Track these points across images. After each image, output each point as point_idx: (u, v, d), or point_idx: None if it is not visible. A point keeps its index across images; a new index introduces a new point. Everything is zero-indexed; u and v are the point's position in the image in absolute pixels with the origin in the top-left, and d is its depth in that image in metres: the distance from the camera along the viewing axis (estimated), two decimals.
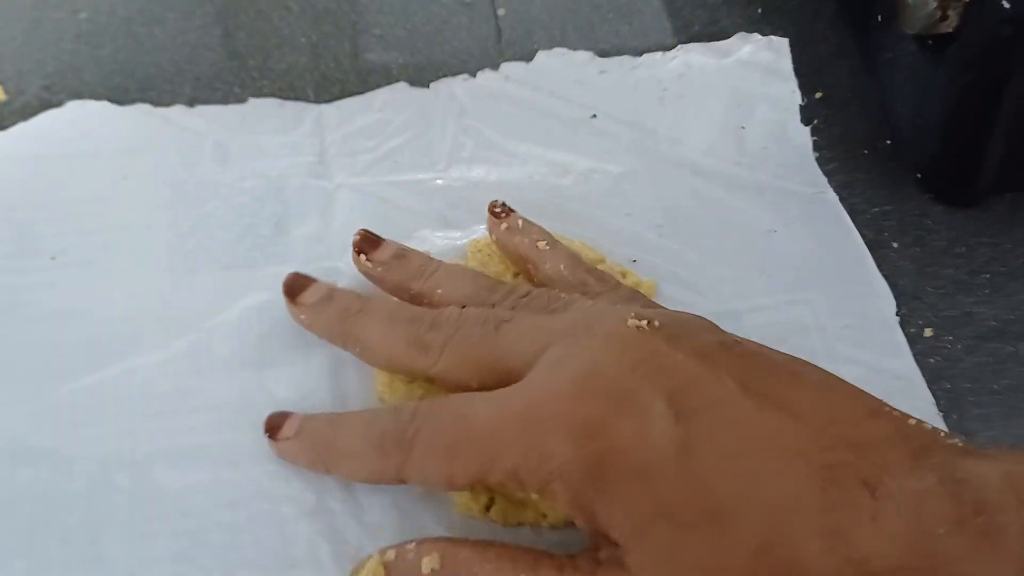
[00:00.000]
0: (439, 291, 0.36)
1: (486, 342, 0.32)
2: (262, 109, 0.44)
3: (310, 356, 0.38)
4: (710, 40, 0.49)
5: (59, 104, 0.43)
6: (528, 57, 0.47)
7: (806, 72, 0.48)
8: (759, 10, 0.50)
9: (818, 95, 0.47)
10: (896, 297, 0.41)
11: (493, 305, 0.35)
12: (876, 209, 0.44)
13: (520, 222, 0.39)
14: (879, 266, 0.42)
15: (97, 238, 0.40)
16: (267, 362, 0.38)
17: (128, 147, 0.42)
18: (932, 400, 0.39)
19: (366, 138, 0.44)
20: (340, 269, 0.40)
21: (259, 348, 0.38)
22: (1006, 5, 0.36)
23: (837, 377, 0.31)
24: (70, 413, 0.36)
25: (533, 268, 0.38)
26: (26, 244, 0.39)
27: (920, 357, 0.40)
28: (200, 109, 0.43)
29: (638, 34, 0.49)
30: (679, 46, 0.47)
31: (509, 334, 0.32)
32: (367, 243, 0.38)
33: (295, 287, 0.37)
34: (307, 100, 0.45)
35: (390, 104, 0.45)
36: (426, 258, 0.38)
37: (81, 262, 0.39)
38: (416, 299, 0.37)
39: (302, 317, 0.37)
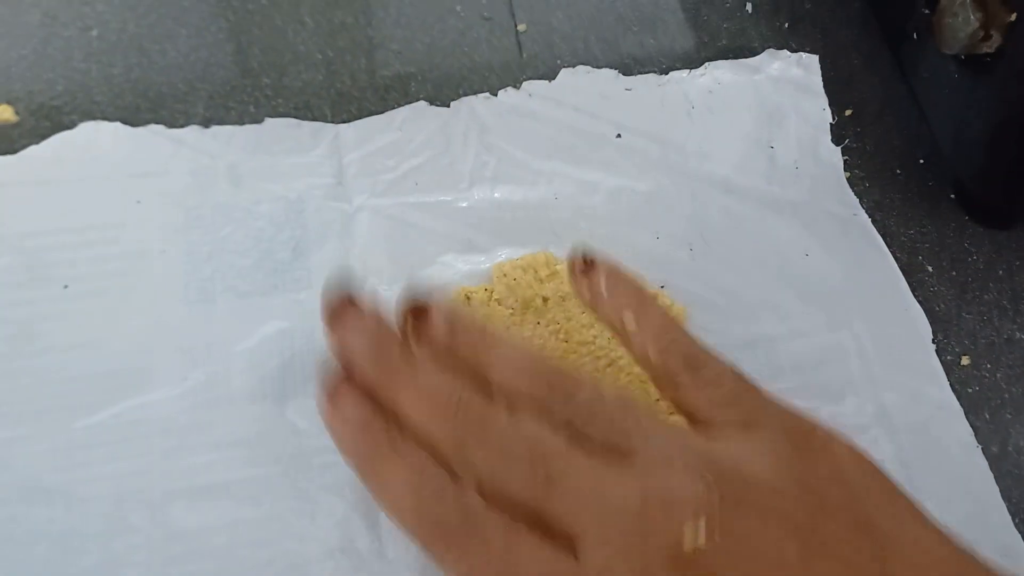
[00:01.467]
0: (493, 377, 0.31)
1: (534, 492, 0.29)
2: (278, 129, 0.42)
3: None
4: (736, 53, 0.47)
5: (71, 125, 0.41)
6: (550, 71, 0.46)
7: (834, 87, 0.47)
8: (786, 23, 0.49)
9: (848, 112, 0.46)
10: (933, 323, 0.40)
11: (549, 411, 0.30)
12: (912, 231, 0.43)
13: (604, 285, 0.33)
14: (915, 290, 0.41)
15: (110, 266, 0.38)
16: (288, 393, 0.37)
17: (141, 170, 0.41)
18: (970, 431, 0.38)
19: (385, 158, 0.42)
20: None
21: (280, 379, 0.37)
22: None
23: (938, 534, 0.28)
24: (85, 451, 0.35)
25: (623, 340, 0.33)
26: (38, 273, 0.38)
27: (958, 386, 0.39)
28: (214, 130, 0.42)
29: (663, 47, 0.48)
30: (707, 63, 0.46)
31: (560, 495, 0.28)
32: (419, 322, 0.33)
33: (341, 319, 0.33)
34: (323, 118, 0.43)
35: (409, 123, 0.43)
36: (480, 331, 0.33)
37: (94, 291, 0.38)
38: None
39: (340, 355, 0.33)
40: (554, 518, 0.28)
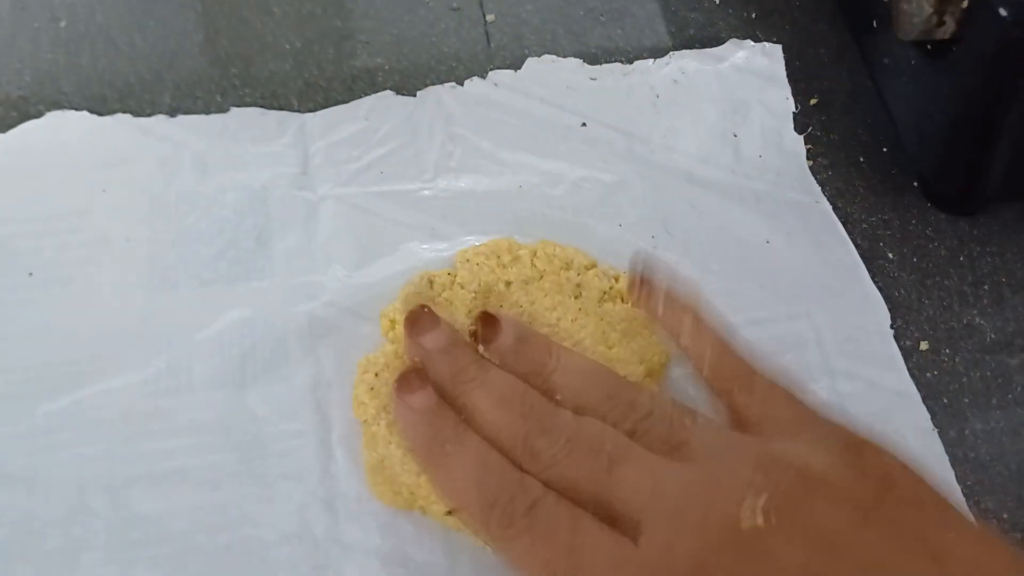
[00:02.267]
0: (557, 396, 0.33)
1: (597, 479, 0.30)
2: (244, 118, 0.43)
3: (292, 375, 0.37)
4: (704, 43, 0.47)
5: (37, 114, 0.42)
6: (518, 62, 0.46)
7: (803, 76, 0.47)
8: (754, 14, 0.49)
9: (813, 101, 0.46)
10: (893, 309, 0.40)
11: (613, 422, 0.32)
12: (874, 218, 0.43)
13: (661, 300, 0.35)
14: (875, 277, 0.41)
15: (75, 254, 0.39)
16: (248, 381, 0.37)
17: (107, 159, 0.41)
18: (927, 416, 0.38)
19: (351, 148, 0.43)
20: (323, 284, 0.39)
21: (240, 366, 0.37)
22: (1003, 13, 0.35)
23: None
24: (47, 436, 0.35)
25: (682, 350, 0.35)
26: (3, 261, 0.38)
27: (916, 371, 0.39)
28: (180, 119, 0.42)
29: (631, 38, 0.48)
30: (671, 52, 0.46)
31: (622, 479, 0.30)
32: (489, 326, 0.35)
33: (419, 326, 0.35)
34: (290, 108, 0.44)
35: (376, 112, 0.44)
36: (546, 349, 0.35)
37: (59, 279, 0.38)
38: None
39: (416, 359, 0.35)
40: (617, 504, 0.29)
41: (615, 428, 0.31)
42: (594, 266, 0.40)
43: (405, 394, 0.33)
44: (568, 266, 0.40)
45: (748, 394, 0.32)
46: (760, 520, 0.27)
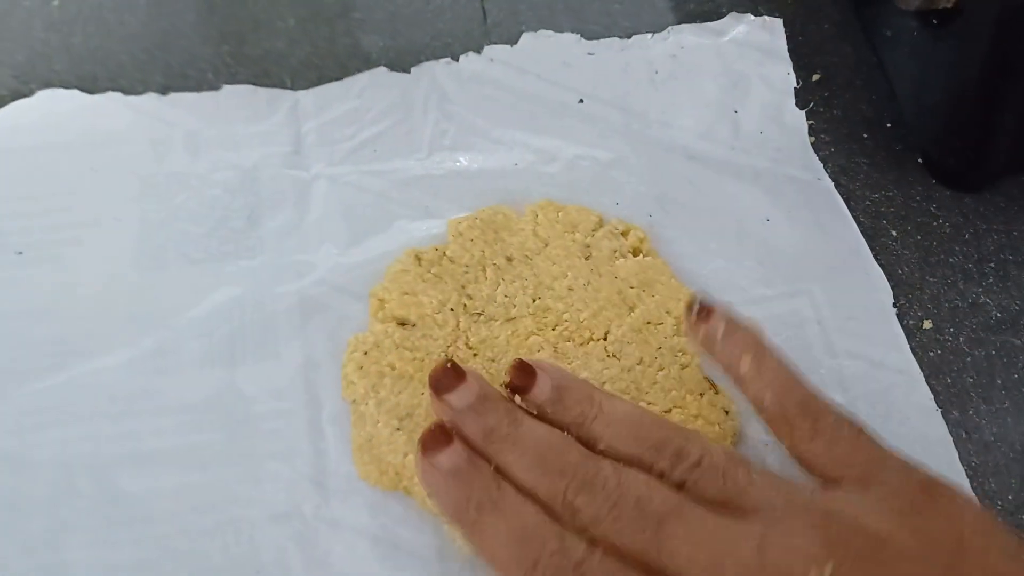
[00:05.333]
0: (599, 447, 0.31)
1: (645, 539, 0.28)
2: (236, 97, 0.42)
3: (282, 354, 0.37)
4: (705, 18, 0.47)
5: (29, 93, 0.41)
6: (514, 38, 0.45)
7: (805, 51, 0.46)
8: None
9: (816, 77, 0.45)
10: (896, 287, 0.40)
11: (660, 473, 0.30)
12: (877, 195, 0.42)
13: (721, 331, 0.33)
14: (878, 255, 0.40)
15: (64, 233, 0.38)
16: (237, 360, 0.36)
17: (98, 138, 0.41)
18: (930, 395, 0.37)
19: (344, 126, 0.42)
20: (313, 263, 0.39)
21: (230, 346, 0.37)
22: None
23: None
24: (33, 415, 0.35)
25: (739, 384, 0.33)
26: None
27: (919, 350, 0.38)
28: (172, 97, 0.42)
29: (630, 13, 0.47)
30: (670, 27, 0.45)
31: (672, 540, 0.28)
32: (523, 377, 0.33)
33: (443, 384, 0.32)
34: (284, 87, 0.43)
35: (369, 90, 0.43)
36: (587, 397, 0.32)
37: (47, 257, 0.38)
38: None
39: (444, 418, 0.33)
40: (666, 567, 0.28)
41: (663, 479, 0.30)
42: (601, 225, 0.39)
43: (432, 454, 0.31)
44: (574, 228, 0.39)
45: (812, 436, 0.30)
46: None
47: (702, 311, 0.33)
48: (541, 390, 0.32)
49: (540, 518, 0.29)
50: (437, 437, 0.31)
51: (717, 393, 0.36)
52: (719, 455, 0.30)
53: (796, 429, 0.31)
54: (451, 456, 0.31)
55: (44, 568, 0.32)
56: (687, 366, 0.36)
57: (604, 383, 0.36)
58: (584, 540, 0.29)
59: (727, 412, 0.36)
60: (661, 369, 0.36)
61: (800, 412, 0.31)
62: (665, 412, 0.35)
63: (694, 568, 0.27)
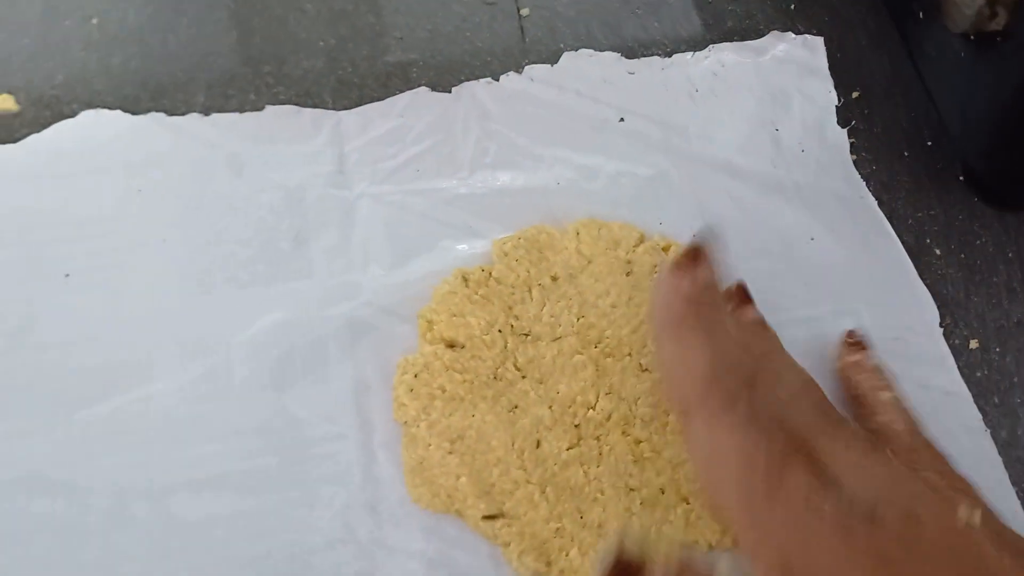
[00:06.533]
0: None
1: None
2: (278, 117, 0.42)
3: (331, 376, 0.37)
4: (742, 36, 0.47)
5: (71, 114, 0.41)
6: (553, 57, 0.45)
7: (843, 68, 0.46)
8: (793, 5, 0.48)
9: (855, 94, 0.45)
10: (941, 307, 0.40)
11: None
12: (920, 213, 0.42)
13: (872, 362, 0.37)
14: (922, 273, 0.40)
15: (110, 257, 0.38)
16: (287, 384, 0.36)
17: (141, 159, 0.40)
18: (979, 416, 0.37)
19: (387, 145, 0.42)
20: (361, 283, 0.39)
21: (280, 369, 0.37)
22: None
23: None
24: (85, 443, 0.35)
25: (867, 411, 0.35)
26: (38, 264, 0.38)
27: (967, 370, 0.38)
28: (214, 118, 0.42)
29: (667, 31, 0.47)
30: (711, 46, 0.45)
31: None
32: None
33: None
34: (324, 105, 0.43)
35: (411, 109, 0.43)
36: None
37: (94, 283, 0.38)
38: None
39: None
40: None
41: None
42: (643, 241, 0.40)
43: (689, 265, 0.32)
44: (616, 245, 0.39)
45: (931, 465, 0.32)
46: (977, 520, 0.26)
47: (858, 343, 0.37)
48: None
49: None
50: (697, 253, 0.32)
51: None
52: None
53: (921, 457, 0.32)
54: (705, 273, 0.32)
55: None
56: None
57: (638, 398, 0.36)
58: None
59: None
60: None
61: (924, 444, 0.33)
62: None
63: None
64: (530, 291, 0.38)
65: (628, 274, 0.39)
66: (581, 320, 0.38)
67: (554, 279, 0.39)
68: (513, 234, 0.40)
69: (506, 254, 0.39)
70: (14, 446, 0.34)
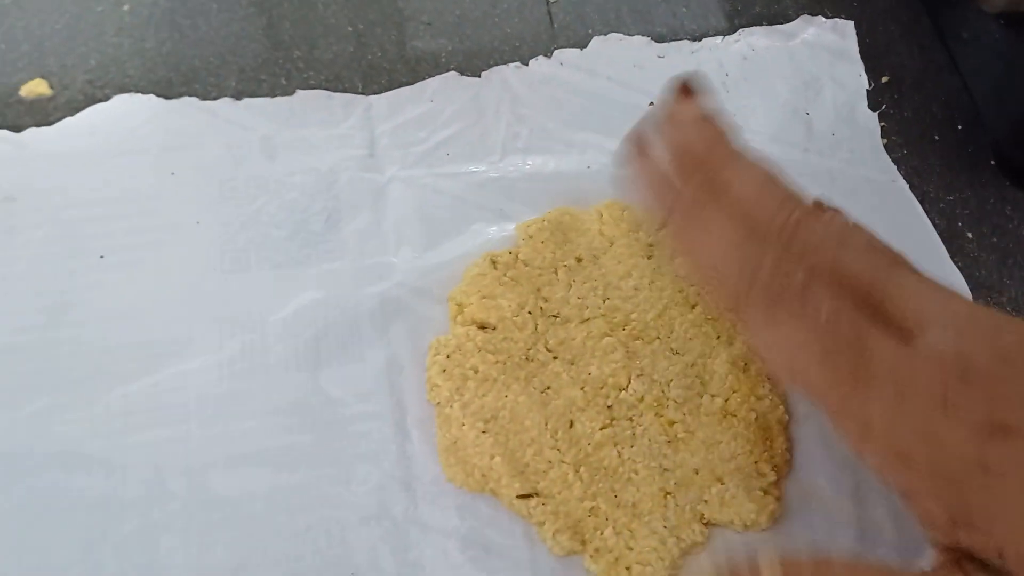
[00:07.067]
0: None
1: (874, 276, 0.28)
2: (310, 101, 0.42)
3: (365, 356, 0.37)
4: (772, 21, 0.47)
5: (104, 98, 0.42)
6: (581, 42, 0.45)
7: (872, 53, 0.46)
8: None
9: (885, 79, 0.45)
10: (974, 290, 0.39)
11: None
12: (951, 197, 0.42)
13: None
14: (954, 257, 0.40)
15: (146, 237, 0.39)
16: (322, 362, 0.37)
17: (175, 142, 0.41)
18: None
19: (417, 129, 0.42)
20: (394, 264, 0.39)
21: (314, 348, 0.37)
22: None
23: None
24: (123, 419, 0.35)
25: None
26: (74, 244, 0.38)
27: None
28: (247, 102, 0.42)
29: (696, 16, 0.47)
30: (741, 30, 0.45)
31: (902, 280, 0.29)
32: None
33: None
34: (355, 91, 0.43)
35: (441, 93, 0.43)
36: None
37: (130, 262, 0.38)
38: None
39: None
40: (888, 304, 0.28)
41: None
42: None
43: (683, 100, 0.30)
44: (639, 227, 0.39)
45: None
46: None
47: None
48: None
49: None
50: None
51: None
52: None
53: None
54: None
55: (138, 569, 0.33)
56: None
57: (671, 380, 0.36)
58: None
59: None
60: (717, 358, 0.37)
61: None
62: (724, 400, 0.36)
63: (919, 302, 0.27)
64: (556, 273, 0.38)
65: (649, 257, 0.39)
66: (607, 302, 0.38)
67: (578, 260, 0.39)
68: (536, 217, 0.40)
69: (531, 236, 0.39)
70: (52, 422, 0.35)
